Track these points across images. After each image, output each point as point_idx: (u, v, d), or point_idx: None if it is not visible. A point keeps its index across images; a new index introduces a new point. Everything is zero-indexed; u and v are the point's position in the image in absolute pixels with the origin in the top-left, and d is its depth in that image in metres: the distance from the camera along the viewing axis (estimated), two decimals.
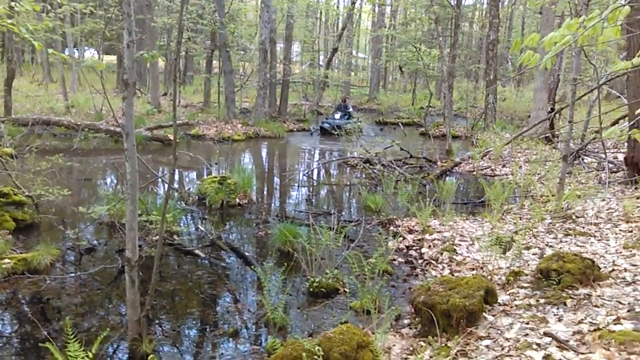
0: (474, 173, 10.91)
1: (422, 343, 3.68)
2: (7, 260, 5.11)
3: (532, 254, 5.30)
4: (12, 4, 5.24)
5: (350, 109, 18.66)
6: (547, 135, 13.05)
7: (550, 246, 5.53)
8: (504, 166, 11.34)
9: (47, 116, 13.68)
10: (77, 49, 26.60)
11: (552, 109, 13.28)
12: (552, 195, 7.38)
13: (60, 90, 19.13)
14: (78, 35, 24.36)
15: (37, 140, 8.68)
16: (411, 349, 3.66)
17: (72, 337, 3.03)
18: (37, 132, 10.02)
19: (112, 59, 29.43)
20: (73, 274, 5.27)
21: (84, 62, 17.70)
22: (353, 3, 21.81)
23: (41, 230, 6.54)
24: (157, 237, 5.20)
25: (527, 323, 3.59)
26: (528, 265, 4.99)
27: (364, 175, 10.30)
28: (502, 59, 28.96)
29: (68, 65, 21.06)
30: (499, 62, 24.55)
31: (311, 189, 9.76)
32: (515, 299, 4.16)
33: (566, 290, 4.06)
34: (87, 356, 3.02)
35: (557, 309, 3.79)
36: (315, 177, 10.38)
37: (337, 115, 17.86)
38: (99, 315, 4.47)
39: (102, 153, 11.96)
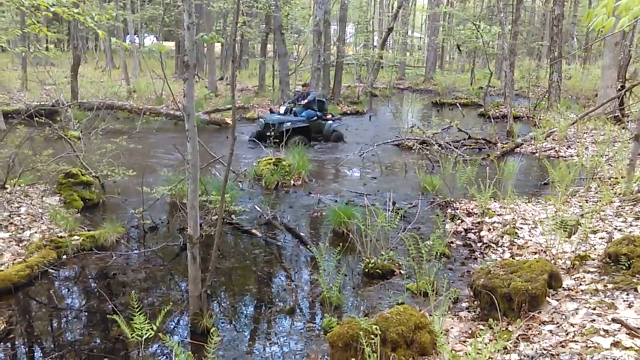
0: (537, 154, 10.48)
1: (481, 326, 3.60)
2: (76, 237, 5.39)
3: (599, 238, 5.04)
4: None
5: (309, 99, 12.07)
6: (616, 114, 12.32)
7: (619, 230, 5.24)
8: (569, 147, 10.82)
9: (110, 101, 14.26)
10: (137, 36, 27.45)
11: (622, 87, 12.50)
12: (622, 178, 6.98)
13: (122, 76, 19.85)
14: (138, 22, 25.13)
15: (101, 123, 9.05)
16: (470, 332, 3.58)
17: (137, 310, 3.16)
18: (101, 116, 10.45)
19: (171, 45, 30.20)
20: (137, 251, 5.50)
21: (145, 48, 18.24)
22: None
23: (107, 209, 6.84)
24: (216, 216, 5.32)
25: (594, 309, 3.42)
26: (595, 249, 4.76)
27: (420, 157, 10.11)
28: (567, 36, 27.50)
29: (129, 52, 21.80)
30: (564, 39, 23.33)
31: (366, 170, 9.68)
32: (581, 284, 3.98)
33: (637, 275, 3.84)
34: (152, 329, 3.14)
35: (627, 294, 3.59)
36: (369, 158, 10.29)
37: (282, 109, 11.88)
38: (161, 291, 4.65)
39: (162, 134, 12.35)
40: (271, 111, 12.40)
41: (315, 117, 12.13)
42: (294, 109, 11.89)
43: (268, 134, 10.50)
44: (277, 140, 9.36)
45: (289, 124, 11.07)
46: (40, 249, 5.05)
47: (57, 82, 14.40)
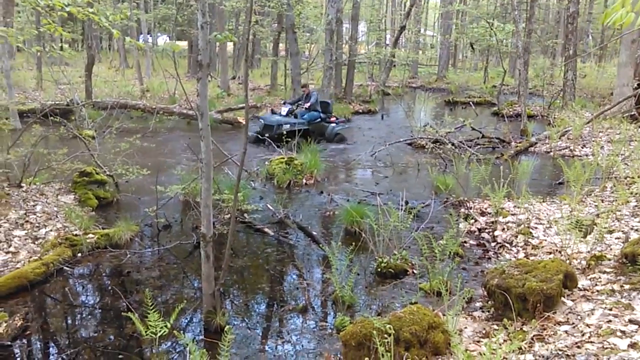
0: (552, 154, 10.37)
1: (495, 326, 3.57)
2: (91, 235, 5.45)
3: (616, 238, 4.98)
4: None
5: (312, 102, 11.78)
6: (632, 113, 12.15)
7: (636, 230, 5.17)
8: (584, 146, 10.70)
9: (124, 100, 14.35)
10: (150, 35, 27.62)
11: (639, 85, 12.32)
12: (638, 177, 6.89)
13: (136, 76, 19.99)
14: (152, 22, 25.28)
15: (115, 122, 9.12)
16: (484, 332, 3.56)
17: (151, 307, 3.18)
18: (115, 115, 10.53)
19: (184, 44, 30.39)
20: (151, 249, 5.53)
21: (158, 47, 18.33)
22: None
23: (121, 207, 6.90)
24: (229, 215, 5.34)
25: (610, 309, 3.38)
26: (611, 249, 4.70)
27: (433, 156, 10.06)
28: (582, 33, 27.16)
29: (143, 51, 21.94)
30: (579, 37, 23.04)
31: (378, 170, 9.65)
32: (596, 284, 3.93)
33: None
34: (166, 326, 3.16)
35: None
36: (382, 157, 10.26)
37: (284, 111, 11.56)
38: (175, 288, 4.68)
39: (175, 133, 12.42)
40: (272, 112, 12.12)
41: (319, 119, 11.91)
42: (295, 111, 11.70)
43: (267, 135, 10.49)
44: (289, 139, 9.38)
45: (287, 126, 10.87)
46: (55, 247, 5.10)
47: (71, 81, 14.54)
